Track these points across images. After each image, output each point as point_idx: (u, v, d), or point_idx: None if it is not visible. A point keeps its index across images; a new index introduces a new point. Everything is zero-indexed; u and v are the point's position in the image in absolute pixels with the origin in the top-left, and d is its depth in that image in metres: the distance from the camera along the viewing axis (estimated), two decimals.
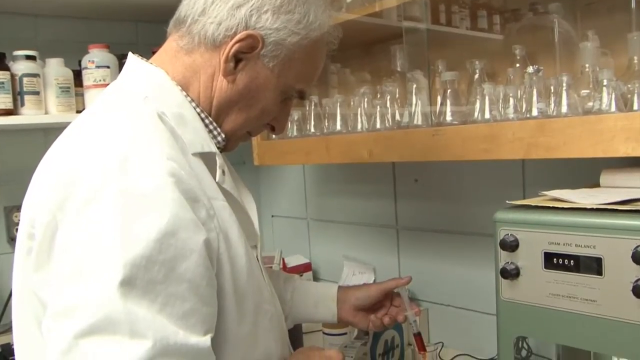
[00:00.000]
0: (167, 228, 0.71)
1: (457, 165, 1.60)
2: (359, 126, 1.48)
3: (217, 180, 0.86)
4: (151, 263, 0.70)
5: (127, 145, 0.75)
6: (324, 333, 1.65)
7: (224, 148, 0.94)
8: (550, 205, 0.88)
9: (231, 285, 0.82)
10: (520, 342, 1.44)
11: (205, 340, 0.74)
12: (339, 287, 1.26)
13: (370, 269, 1.88)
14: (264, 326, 0.90)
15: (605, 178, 0.98)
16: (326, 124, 1.57)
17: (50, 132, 1.81)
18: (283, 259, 1.97)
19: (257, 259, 0.95)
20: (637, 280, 0.78)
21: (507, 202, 0.96)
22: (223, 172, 0.88)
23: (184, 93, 0.87)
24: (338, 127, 1.52)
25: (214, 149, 0.88)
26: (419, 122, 1.30)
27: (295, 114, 1.63)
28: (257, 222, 0.98)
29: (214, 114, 0.90)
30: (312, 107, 1.59)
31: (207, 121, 0.89)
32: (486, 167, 1.53)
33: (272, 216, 2.32)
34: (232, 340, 0.83)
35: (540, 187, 1.04)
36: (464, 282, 1.63)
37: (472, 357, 1.61)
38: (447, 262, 1.67)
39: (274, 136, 1.59)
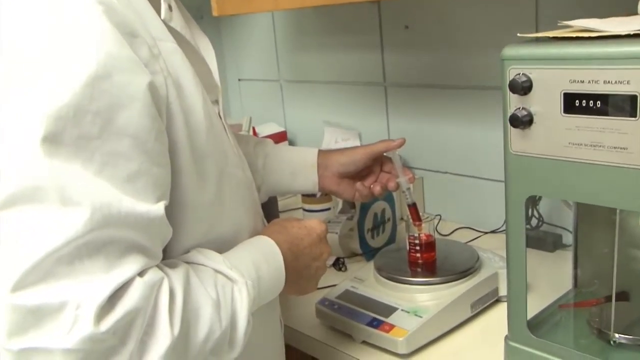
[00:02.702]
0: (99, 70, 0.66)
1: (454, 4, 1.54)
2: None
3: (162, 17, 0.80)
4: (81, 113, 0.65)
5: None
6: (304, 210, 1.66)
7: None
8: (573, 36, 0.82)
9: (187, 143, 0.78)
10: (531, 210, 1.44)
11: (158, 208, 0.71)
12: (320, 151, 1.24)
13: (354, 135, 1.88)
14: (231, 194, 0.87)
15: None
16: None
17: None
18: (253, 128, 1.95)
19: (220, 116, 0.91)
20: None
21: (518, 34, 0.89)
22: (170, 7, 0.82)
23: None
24: None
25: None
26: None
27: None
28: (217, 72, 0.94)
29: None
30: None
31: None
32: (490, 5, 1.47)
33: (239, 80, 2.30)
34: (193, 210, 0.80)
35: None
36: (465, 145, 1.62)
37: (474, 229, 1.62)
38: (445, 123, 1.65)
39: None
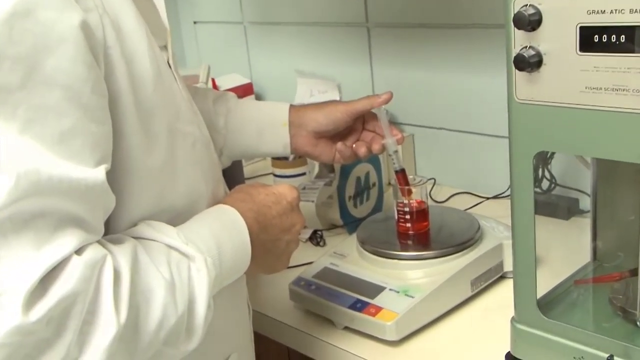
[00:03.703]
0: (17, 5, 0.64)
1: None
2: None
3: None
4: None
5: None
6: (275, 175, 1.69)
7: None
8: None
9: (130, 95, 0.77)
10: (541, 170, 1.44)
11: (97, 172, 0.70)
12: (292, 107, 1.25)
13: (333, 87, 1.88)
14: (185, 157, 0.87)
15: None
16: None
17: None
18: (213, 80, 1.96)
19: (169, 65, 0.89)
20: None
21: None
22: None
23: None
24: None
25: None
26: None
27: None
28: (165, 12, 0.93)
29: None
30: None
31: None
32: None
33: (195, 23, 2.30)
34: (139, 175, 0.80)
35: None
36: (462, 96, 1.63)
37: (474, 194, 1.64)
38: (439, 70, 1.65)
39: None
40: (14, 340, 0.63)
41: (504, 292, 1.20)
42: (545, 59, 0.84)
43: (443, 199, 1.62)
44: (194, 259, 0.79)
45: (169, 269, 0.76)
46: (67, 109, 0.68)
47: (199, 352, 0.81)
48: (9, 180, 0.63)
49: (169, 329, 0.75)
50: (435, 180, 1.70)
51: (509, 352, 1.00)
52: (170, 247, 0.79)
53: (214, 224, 0.86)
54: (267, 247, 0.93)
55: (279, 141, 1.23)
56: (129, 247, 0.74)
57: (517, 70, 0.86)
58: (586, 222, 1.14)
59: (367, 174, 1.51)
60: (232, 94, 1.29)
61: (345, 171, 1.46)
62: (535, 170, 0.90)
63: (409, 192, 1.23)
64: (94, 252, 0.69)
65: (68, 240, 0.67)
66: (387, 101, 1.21)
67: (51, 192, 0.66)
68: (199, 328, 0.79)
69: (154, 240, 0.79)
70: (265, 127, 1.23)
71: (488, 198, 1.60)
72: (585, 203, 1.41)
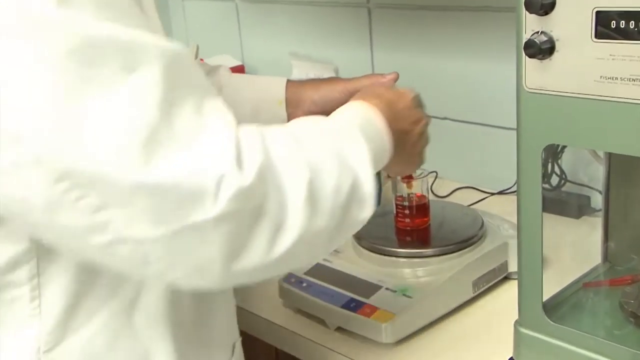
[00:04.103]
0: None
1: None
2: None
3: None
4: None
5: None
6: None
7: None
8: None
9: None
10: (550, 164, 1.43)
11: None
12: (289, 82, 1.25)
13: (329, 70, 1.89)
14: None
15: None
16: None
17: None
18: (202, 61, 1.91)
19: None
20: None
21: None
22: None
23: None
24: None
25: None
26: None
27: None
28: None
29: None
30: None
31: None
32: None
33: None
34: None
35: None
36: (467, 84, 1.63)
37: (479, 189, 1.64)
38: (444, 56, 1.65)
39: None
40: (237, 207, 0.67)
41: (508, 294, 1.20)
42: (557, 46, 0.84)
43: (445, 194, 1.62)
44: (343, 130, 0.85)
45: (323, 139, 0.81)
46: None
47: (210, 342, 0.88)
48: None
49: (345, 193, 0.78)
50: (437, 173, 1.70)
51: (512, 357, 1.00)
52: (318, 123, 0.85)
53: (348, 114, 0.91)
54: (401, 138, 0.95)
55: (275, 120, 1.22)
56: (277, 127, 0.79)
57: (527, 57, 0.86)
58: (597, 222, 1.14)
59: None
60: (225, 67, 1.29)
61: None
62: (544, 165, 0.90)
63: (409, 179, 1.22)
64: (244, 125, 0.73)
65: (223, 113, 0.72)
66: (392, 82, 1.20)
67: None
68: (369, 197, 0.82)
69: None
70: (261, 105, 1.23)
71: (493, 193, 1.60)
72: (597, 201, 1.40)
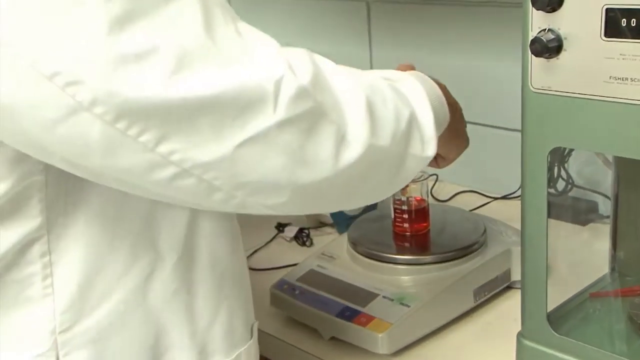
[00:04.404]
0: None
1: None
2: None
3: None
4: None
5: None
6: None
7: None
8: None
9: None
10: (557, 168, 1.43)
11: None
12: None
13: None
14: None
15: None
16: None
17: None
18: None
19: None
20: None
21: None
22: None
23: None
24: None
25: None
26: None
27: None
28: None
29: None
30: None
31: None
32: None
33: None
34: None
35: None
36: (470, 83, 1.62)
37: (481, 194, 1.64)
38: (445, 53, 1.66)
39: None
40: (297, 111, 0.70)
41: (511, 304, 1.21)
42: (565, 44, 0.84)
43: (446, 198, 1.63)
44: (400, 80, 0.90)
45: (381, 81, 0.85)
46: None
47: (232, 321, 0.92)
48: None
49: (405, 123, 0.83)
50: (437, 176, 1.70)
51: None
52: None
53: (401, 73, 0.96)
54: (452, 110, 1.00)
55: None
56: None
57: (533, 56, 0.86)
58: (605, 229, 1.15)
59: None
60: None
61: None
62: (550, 169, 0.90)
63: (407, 187, 1.23)
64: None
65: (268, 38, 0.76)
66: None
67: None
68: (431, 138, 0.87)
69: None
70: None
71: (496, 198, 1.60)
72: (605, 207, 1.40)
